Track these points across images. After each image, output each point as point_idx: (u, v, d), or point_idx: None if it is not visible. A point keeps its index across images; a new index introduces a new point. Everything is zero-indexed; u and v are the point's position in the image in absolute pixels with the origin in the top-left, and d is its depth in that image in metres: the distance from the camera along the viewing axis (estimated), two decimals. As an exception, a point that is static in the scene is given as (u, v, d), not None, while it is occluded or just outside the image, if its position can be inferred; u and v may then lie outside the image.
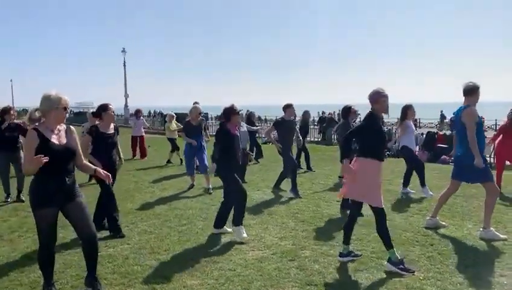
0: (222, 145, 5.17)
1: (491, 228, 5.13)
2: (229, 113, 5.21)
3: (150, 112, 40.90)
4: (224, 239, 5.16)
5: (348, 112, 7.57)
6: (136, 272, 4.13)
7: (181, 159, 11.54)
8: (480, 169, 5.03)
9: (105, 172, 3.82)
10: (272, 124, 9.22)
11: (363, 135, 4.23)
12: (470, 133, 4.98)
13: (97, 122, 5.47)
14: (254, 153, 12.38)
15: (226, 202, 5.29)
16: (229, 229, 5.31)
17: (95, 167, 3.81)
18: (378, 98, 4.17)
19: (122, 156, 5.73)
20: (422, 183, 7.51)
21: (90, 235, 3.57)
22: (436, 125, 30.83)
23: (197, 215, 6.28)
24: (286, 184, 7.80)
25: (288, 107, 7.77)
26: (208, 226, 5.59)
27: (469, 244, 4.91)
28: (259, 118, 28.51)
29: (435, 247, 4.77)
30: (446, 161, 11.94)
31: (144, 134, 13.75)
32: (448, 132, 16.20)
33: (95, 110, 5.86)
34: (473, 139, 4.97)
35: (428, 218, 5.65)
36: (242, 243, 4.97)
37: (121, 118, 33.97)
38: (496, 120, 22.69)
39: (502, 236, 5.05)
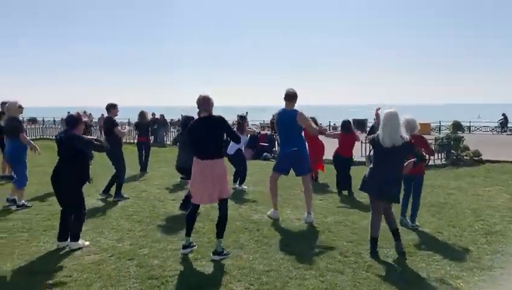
0: None
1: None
2: None
3: None
4: (54, 248, 4.86)
5: (112, 107, 7.64)
6: None
7: None
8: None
9: None
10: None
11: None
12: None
13: None
14: None
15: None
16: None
17: None
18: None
19: None
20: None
21: None
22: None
23: (19, 226, 5.71)
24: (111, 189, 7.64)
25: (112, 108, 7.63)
26: (33, 237, 5.18)
27: (286, 227, 5.71)
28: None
29: (260, 232, 5.42)
30: (268, 157, 13.35)
31: None
32: (269, 132, 18.02)
33: None
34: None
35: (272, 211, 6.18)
36: (76, 249, 4.74)
37: None
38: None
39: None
